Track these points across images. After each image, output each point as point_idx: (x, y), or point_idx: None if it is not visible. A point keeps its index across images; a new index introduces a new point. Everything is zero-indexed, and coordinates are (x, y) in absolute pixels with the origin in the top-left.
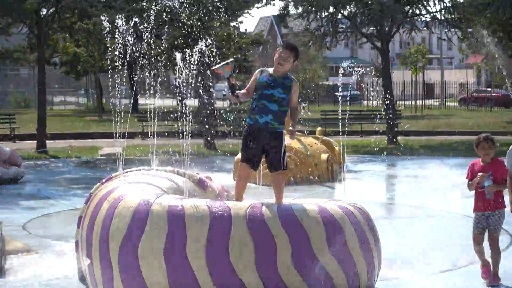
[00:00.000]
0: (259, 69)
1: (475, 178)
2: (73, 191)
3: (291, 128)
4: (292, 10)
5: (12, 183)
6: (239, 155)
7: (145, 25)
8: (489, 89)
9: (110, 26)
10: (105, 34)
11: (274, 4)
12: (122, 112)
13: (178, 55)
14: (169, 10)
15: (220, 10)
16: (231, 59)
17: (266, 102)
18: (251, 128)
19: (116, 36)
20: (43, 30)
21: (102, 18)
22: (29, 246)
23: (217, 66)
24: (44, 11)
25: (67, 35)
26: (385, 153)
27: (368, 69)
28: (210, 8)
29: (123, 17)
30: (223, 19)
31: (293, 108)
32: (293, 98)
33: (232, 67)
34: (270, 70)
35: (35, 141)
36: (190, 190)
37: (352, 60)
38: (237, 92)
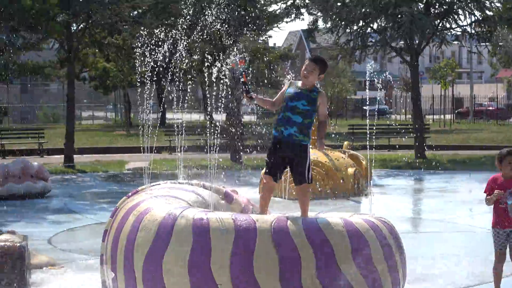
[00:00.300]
0: (289, 81)
1: (493, 193)
2: (99, 205)
3: (320, 139)
4: (321, 24)
5: (39, 197)
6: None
7: (174, 39)
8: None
9: (139, 41)
10: (135, 50)
11: (303, 19)
12: (150, 127)
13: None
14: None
15: (249, 25)
16: (246, 55)
17: (290, 114)
18: (276, 139)
19: (144, 50)
20: (73, 45)
21: (132, 33)
22: (54, 260)
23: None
24: (75, 26)
25: (97, 50)
26: (412, 167)
27: (397, 83)
28: (239, 22)
29: (152, 32)
30: (252, 34)
31: (320, 120)
32: (320, 110)
33: (245, 63)
34: (299, 83)
35: (63, 156)
36: (215, 203)
37: (382, 73)
38: (252, 93)
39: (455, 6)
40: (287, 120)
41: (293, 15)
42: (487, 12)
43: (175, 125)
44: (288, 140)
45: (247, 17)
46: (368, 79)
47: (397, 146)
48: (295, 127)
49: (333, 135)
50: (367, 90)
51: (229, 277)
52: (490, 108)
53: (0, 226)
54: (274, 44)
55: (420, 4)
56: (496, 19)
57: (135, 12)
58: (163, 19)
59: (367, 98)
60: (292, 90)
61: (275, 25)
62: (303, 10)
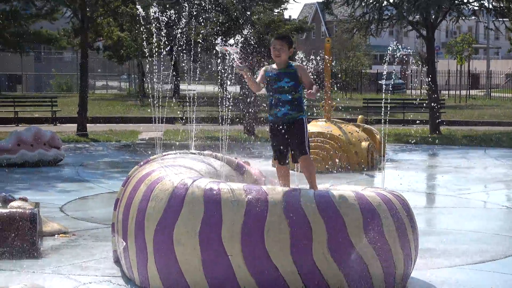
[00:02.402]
0: (264, 67)
1: None
2: (111, 174)
3: (311, 90)
4: None
5: (51, 165)
6: None
7: (188, 10)
8: None
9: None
10: (149, 20)
11: None
12: (163, 97)
13: (218, 47)
14: None
15: None
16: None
17: (279, 95)
18: (272, 123)
19: (158, 22)
20: (87, 14)
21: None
22: (65, 227)
23: (227, 48)
24: None
25: (111, 19)
26: (427, 142)
27: (412, 57)
28: None
29: (166, 2)
30: (266, 5)
31: (308, 86)
32: (304, 80)
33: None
34: (274, 65)
35: (76, 125)
36: (227, 174)
37: (398, 45)
38: (243, 66)
39: None
40: (278, 101)
41: None
42: None
43: (188, 96)
44: (284, 119)
45: None
46: (388, 53)
47: (413, 120)
48: (287, 105)
49: (349, 109)
50: (385, 65)
51: (240, 249)
52: None
53: (13, 193)
54: (290, 16)
55: None
56: None
57: None
58: None
59: (383, 72)
60: (271, 73)
61: None
62: None
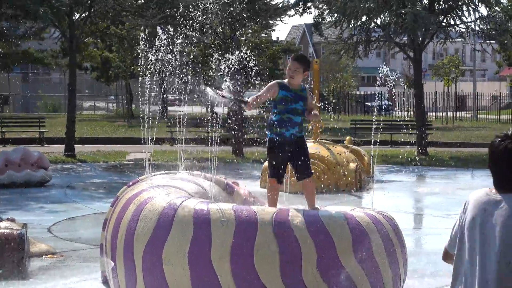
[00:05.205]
0: (276, 82)
1: None
2: (99, 195)
3: (314, 112)
4: (328, 18)
5: (39, 186)
6: (266, 163)
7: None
8: None
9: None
10: (138, 41)
11: (310, 12)
12: (151, 118)
13: (209, 91)
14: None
15: (252, 18)
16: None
17: (292, 116)
18: (275, 141)
19: (144, 43)
20: (75, 34)
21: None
22: (53, 248)
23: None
24: (76, 15)
25: (99, 40)
26: (414, 164)
27: (400, 79)
28: (242, 16)
29: (154, 24)
30: (254, 27)
31: (310, 109)
32: (309, 102)
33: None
34: (285, 81)
35: (64, 145)
36: (216, 194)
37: (386, 67)
38: (246, 99)
39: (459, 2)
40: (288, 122)
41: (300, 10)
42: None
43: (176, 117)
44: (290, 139)
45: (250, 10)
46: (379, 75)
47: (400, 141)
48: (297, 127)
49: (336, 130)
50: (377, 86)
51: (229, 269)
52: None
53: (0, 214)
54: (277, 38)
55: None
56: (502, 17)
57: (138, 2)
58: (165, 10)
59: (376, 93)
60: (289, 93)
61: (278, 18)
62: (309, 4)
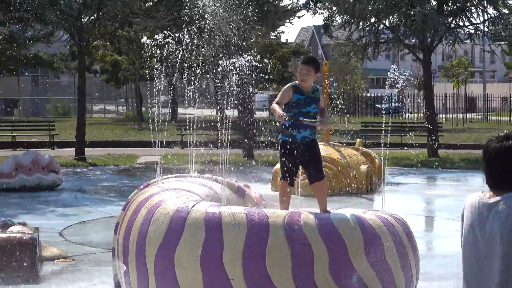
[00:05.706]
0: (290, 85)
1: None
2: (110, 198)
3: (325, 118)
4: (338, 19)
5: (49, 190)
6: (277, 165)
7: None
8: None
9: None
10: (146, 44)
11: (321, 13)
12: (161, 121)
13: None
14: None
15: (261, 20)
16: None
17: (305, 119)
18: (288, 144)
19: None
20: (84, 37)
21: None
22: (65, 252)
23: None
24: (85, 18)
25: (108, 42)
26: (424, 165)
27: (409, 80)
28: (251, 18)
29: (164, 26)
30: (264, 29)
31: (322, 108)
32: (322, 102)
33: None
34: (297, 83)
35: (74, 149)
36: (228, 197)
37: (397, 68)
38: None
39: (468, 4)
40: (301, 124)
41: (310, 10)
42: (504, 10)
43: (187, 120)
44: (303, 142)
45: (259, 13)
46: (390, 77)
47: (411, 143)
48: (309, 130)
49: (347, 132)
50: (387, 88)
51: (241, 272)
52: None
53: (12, 218)
54: (286, 40)
55: (433, 1)
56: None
57: (147, 4)
58: (174, 12)
59: (386, 95)
60: (302, 97)
61: (287, 20)
62: (319, 5)
